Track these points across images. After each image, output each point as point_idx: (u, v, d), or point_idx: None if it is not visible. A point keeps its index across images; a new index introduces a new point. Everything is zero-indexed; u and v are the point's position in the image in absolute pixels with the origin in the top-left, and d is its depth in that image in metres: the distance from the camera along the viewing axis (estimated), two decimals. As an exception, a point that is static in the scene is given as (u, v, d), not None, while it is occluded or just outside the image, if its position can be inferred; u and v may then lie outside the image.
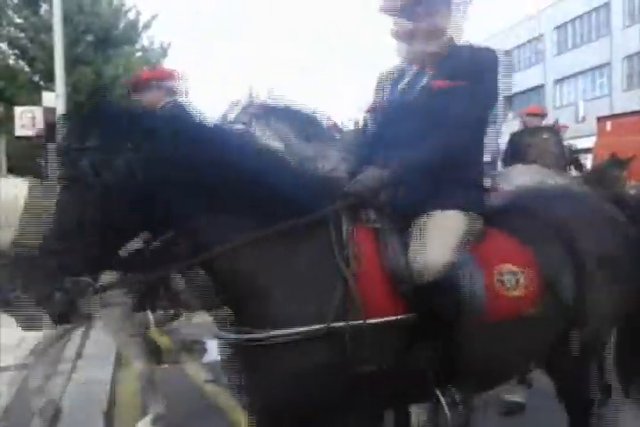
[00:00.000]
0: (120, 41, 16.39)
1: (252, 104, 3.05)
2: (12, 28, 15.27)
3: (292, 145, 2.96)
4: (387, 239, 1.94)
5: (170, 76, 3.81)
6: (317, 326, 1.75)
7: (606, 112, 19.44)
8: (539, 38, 31.00)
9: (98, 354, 4.65)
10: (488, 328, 1.94)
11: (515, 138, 6.24)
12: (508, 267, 2.02)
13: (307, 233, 1.85)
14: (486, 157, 2.80)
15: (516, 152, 6.08)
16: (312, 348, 1.77)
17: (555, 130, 5.36)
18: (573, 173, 7.20)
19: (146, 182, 1.65)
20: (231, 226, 1.78)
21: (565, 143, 7.33)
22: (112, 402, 3.87)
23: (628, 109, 15.57)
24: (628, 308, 2.31)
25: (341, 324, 1.76)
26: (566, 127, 8.35)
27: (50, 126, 9.23)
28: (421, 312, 1.86)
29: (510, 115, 31.94)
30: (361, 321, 1.78)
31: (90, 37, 15.90)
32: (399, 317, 1.85)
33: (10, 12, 15.35)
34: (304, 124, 3.05)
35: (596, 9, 27.22)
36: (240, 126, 2.97)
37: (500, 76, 2.08)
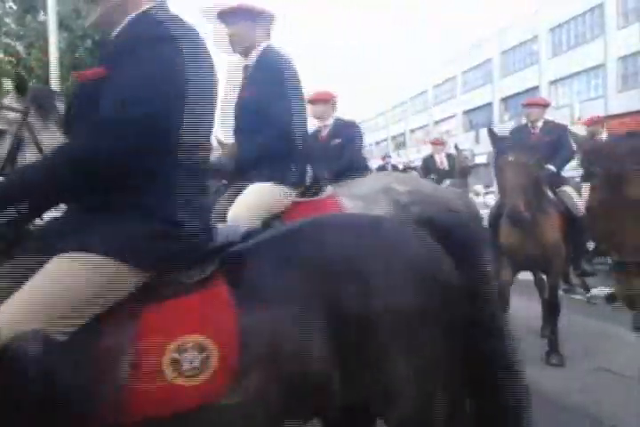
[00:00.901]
0: (116, 46, 16.44)
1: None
2: (9, 38, 15.31)
3: None
4: None
5: None
6: None
7: (601, 113, 19.55)
8: (533, 40, 31.12)
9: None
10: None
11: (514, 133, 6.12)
12: (193, 339, 1.41)
13: None
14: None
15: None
16: None
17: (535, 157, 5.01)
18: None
19: None
20: None
21: (606, 135, 7.12)
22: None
23: (623, 110, 15.68)
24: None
25: None
26: (600, 117, 8.00)
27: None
28: None
29: (506, 117, 32.09)
30: None
31: (88, 43, 15.92)
32: None
33: (8, 20, 15.39)
34: None
35: (591, 10, 27.35)
36: (14, 115, 2.56)
37: (165, 57, 1.46)
